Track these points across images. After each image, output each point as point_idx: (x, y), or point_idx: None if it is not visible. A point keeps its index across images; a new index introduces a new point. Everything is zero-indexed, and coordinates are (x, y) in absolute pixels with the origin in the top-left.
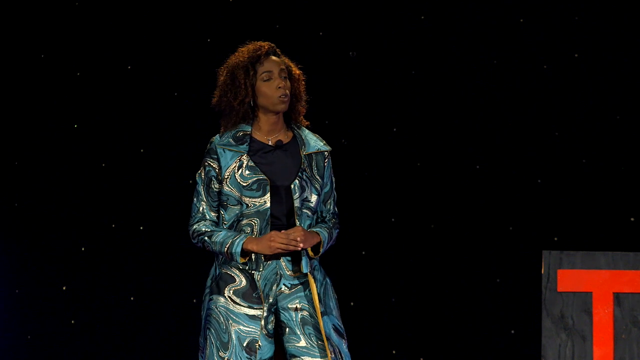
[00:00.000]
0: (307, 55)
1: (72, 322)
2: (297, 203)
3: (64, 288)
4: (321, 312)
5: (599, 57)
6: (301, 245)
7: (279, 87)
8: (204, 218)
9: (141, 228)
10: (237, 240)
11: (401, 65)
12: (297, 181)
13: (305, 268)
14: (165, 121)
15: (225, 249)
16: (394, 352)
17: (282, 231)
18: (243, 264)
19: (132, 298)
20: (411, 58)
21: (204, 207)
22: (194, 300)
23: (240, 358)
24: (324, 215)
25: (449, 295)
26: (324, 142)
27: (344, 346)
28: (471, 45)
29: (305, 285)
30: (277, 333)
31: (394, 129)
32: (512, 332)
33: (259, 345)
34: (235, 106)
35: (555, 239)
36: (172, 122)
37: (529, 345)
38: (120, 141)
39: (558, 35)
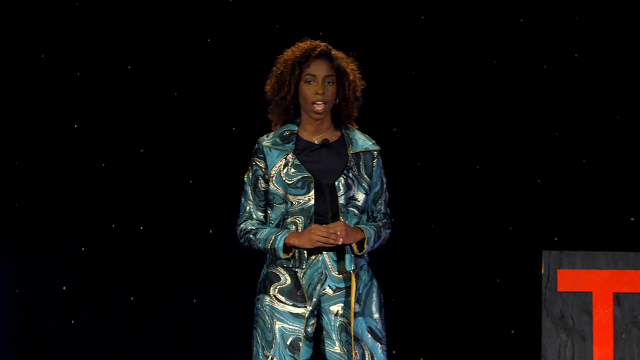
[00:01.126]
0: None
1: (72, 322)
2: (341, 200)
3: (64, 288)
4: (357, 313)
5: (599, 57)
6: (341, 240)
7: (317, 93)
8: (250, 217)
9: (141, 228)
10: (280, 236)
11: (401, 65)
12: (341, 179)
13: (348, 266)
14: (165, 121)
15: (269, 245)
16: (394, 352)
17: (324, 225)
18: (286, 260)
19: (132, 298)
20: (411, 58)
21: (251, 207)
22: (194, 300)
23: (284, 356)
24: (374, 215)
25: (449, 295)
26: (374, 141)
27: (379, 350)
28: (471, 45)
29: (349, 289)
30: (317, 334)
31: (394, 129)
32: (512, 332)
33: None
34: (277, 100)
35: (555, 239)
36: (172, 122)
37: (529, 345)
38: (120, 141)
39: (558, 35)
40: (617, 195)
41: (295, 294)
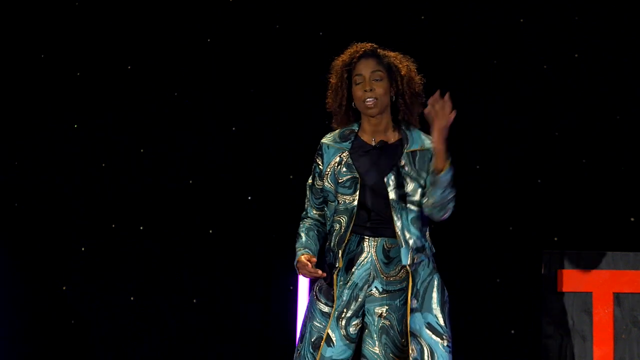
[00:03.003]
0: (307, 56)
1: (72, 322)
2: (392, 196)
3: (64, 288)
4: (414, 309)
5: (599, 57)
6: (324, 274)
7: (365, 91)
8: (306, 216)
9: (141, 228)
10: (298, 254)
11: None
12: (391, 175)
13: (404, 259)
14: (165, 121)
15: (295, 261)
16: None
17: (308, 267)
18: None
19: (132, 298)
20: (411, 58)
21: (308, 205)
22: (194, 300)
23: (307, 353)
24: None
25: (449, 295)
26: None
27: (439, 346)
28: (471, 45)
29: (395, 296)
30: (360, 335)
31: None
32: (512, 332)
33: (333, 343)
34: (335, 109)
35: (555, 239)
36: (172, 122)
37: (529, 345)
38: (120, 141)
39: (558, 35)
40: (617, 195)
41: (329, 293)
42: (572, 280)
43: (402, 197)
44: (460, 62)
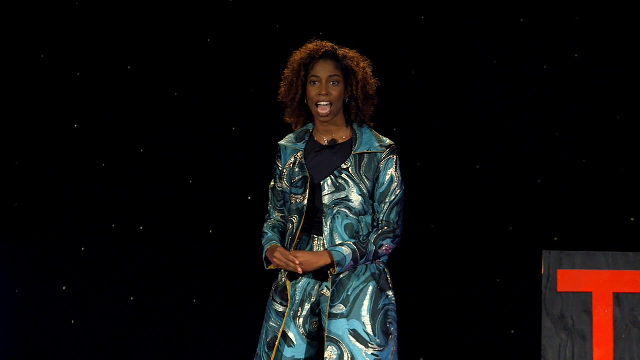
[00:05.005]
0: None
1: (72, 322)
2: (325, 200)
3: (64, 288)
4: (340, 314)
5: (599, 57)
6: (300, 269)
7: (320, 94)
8: (269, 218)
9: (141, 228)
10: (265, 247)
11: (401, 65)
12: (329, 179)
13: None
14: (165, 121)
15: (263, 255)
16: None
17: (289, 252)
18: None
19: (132, 298)
20: (411, 58)
21: (270, 207)
22: (194, 301)
23: (263, 354)
24: (380, 220)
25: (449, 295)
26: (384, 142)
27: (362, 354)
28: (471, 45)
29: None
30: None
31: (394, 129)
32: (512, 332)
33: (293, 342)
34: (287, 102)
35: (555, 239)
36: (172, 122)
37: (529, 345)
38: (120, 141)
39: (558, 35)
40: (617, 195)
41: (284, 292)
42: (572, 280)
43: (340, 202)
44: (460, 62)
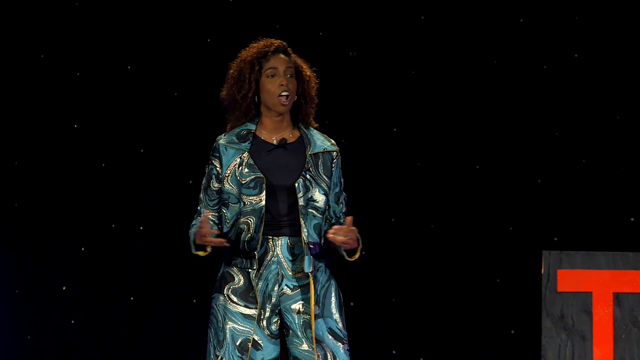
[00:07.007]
0: (307, 55)
1: (72, 322)
2: (301, 202)
3: (64, 288)
4: (317, 315)
5: (599, 57)
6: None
7: (281, 85)
8: (199, 215)
9: (141, 228)
10: (192, 230)
11: (401, 65)
12: (300, 180)
13: (307, 267)
14: (165, 121)
15: (191, 240)
16: (393, 352)
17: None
18: (240, 260)
19: (132, 298)
20: (411, 58)
21: (201, 206)
22: (194, 301)
23: (233, 357)
24: (337, 215)
25: (449, 295)
26: (332, 142)
27: (341, 350)
28: (471, 45)
29: (308, 287)
30: (283, 334)
31: (394, 129)
32: (512, 332)
33: (261, 346)
34: (238, 100)
35: (555, 239)
36: (172, 122)
37: (529, 345)
38: (120, 141)
39: (558, 35)
40: (617, 195)
41: (248, 295)
42: (572, 280)
43: (308, 202)
44: (460, 62)
